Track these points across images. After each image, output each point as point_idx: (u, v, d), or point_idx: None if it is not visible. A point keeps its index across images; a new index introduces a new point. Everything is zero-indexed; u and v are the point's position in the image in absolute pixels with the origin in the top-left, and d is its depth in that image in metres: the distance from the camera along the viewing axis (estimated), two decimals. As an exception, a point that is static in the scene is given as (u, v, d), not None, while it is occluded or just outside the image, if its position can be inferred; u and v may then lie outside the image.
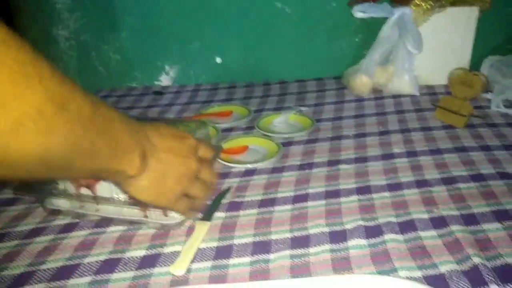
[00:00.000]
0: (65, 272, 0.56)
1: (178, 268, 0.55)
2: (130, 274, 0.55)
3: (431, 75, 1.09)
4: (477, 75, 0.97)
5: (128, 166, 0.46)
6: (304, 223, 0.62)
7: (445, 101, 0.92)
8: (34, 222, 0.67)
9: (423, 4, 1.01)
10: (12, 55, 0.32)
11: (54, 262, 0.58)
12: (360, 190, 0.69)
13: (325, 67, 1.21)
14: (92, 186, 0.63)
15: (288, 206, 0.66)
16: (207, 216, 0.65)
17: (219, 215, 0.65)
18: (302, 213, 0.65)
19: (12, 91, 0.32)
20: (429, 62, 1.05)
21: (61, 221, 0.67)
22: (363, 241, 0.57)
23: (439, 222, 0.60)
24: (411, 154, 0.79)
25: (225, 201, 0.69)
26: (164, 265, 0.56)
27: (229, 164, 0.79)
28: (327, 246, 0.57)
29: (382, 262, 0.53)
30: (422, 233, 0.58)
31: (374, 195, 0.67)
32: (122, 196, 0.62)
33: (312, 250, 0.57)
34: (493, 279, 0.49)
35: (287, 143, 0.86)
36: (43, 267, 0.57)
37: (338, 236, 0.59)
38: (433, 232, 0.58)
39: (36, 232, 0.65)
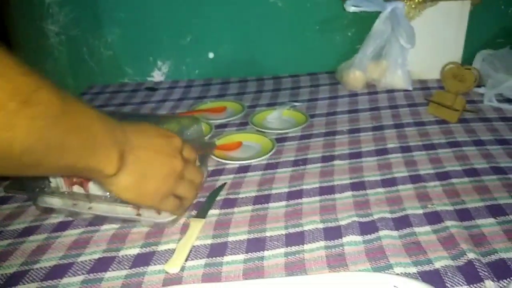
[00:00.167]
0: (58, 271, 0.55)
1: (172, 266, 0.54)
2: (123, 272, 0.55)
3: (424, 70, 1.09)
4: (470, 70, 0.97)
5: (105, 164, 0.45)
6: (298, 219, 0.62)
7: (438, 95, 0.92)
8: (27, 221, 0.66)
9: (415, -2, 1.01)
10: None
11: (47, 261, 0.57)
12: (355, 186, 0.69)
13: (318, 62, 1.21)
14: (84, 184, 0.62)
15: (283, 203, 0.66)
16: (202, 213, 0.65)
17: (214, 212, 0.65)
18: (296, 209, 0.64)
19: None
20: (421, 56, 1.05)
21: (54, 219, 0.66)
22: (358, 238, 0.57)
23: (433, 218, 0.60)
24: (405, 149, 0.79)
25: (219, 198, 0.68)
26: (158, 263, 0.56)
27: (223, 161, 0.78)
28: (322, 243, 0.57)
29: (377, 259, 0.53)
30: (416, 229, 0.58)
31: (369, 191, 0.67)
32: (114, 194, 0.62)
33: (306, 247, 0.57)
34: (487, 274, 0.49)
35: (281, 139, 0.86)
36: (36, 266, 0.57)
37: (333, 233, 0.59)
38: (427, 228, 0.58)
39: (29, 231, 0.64)
